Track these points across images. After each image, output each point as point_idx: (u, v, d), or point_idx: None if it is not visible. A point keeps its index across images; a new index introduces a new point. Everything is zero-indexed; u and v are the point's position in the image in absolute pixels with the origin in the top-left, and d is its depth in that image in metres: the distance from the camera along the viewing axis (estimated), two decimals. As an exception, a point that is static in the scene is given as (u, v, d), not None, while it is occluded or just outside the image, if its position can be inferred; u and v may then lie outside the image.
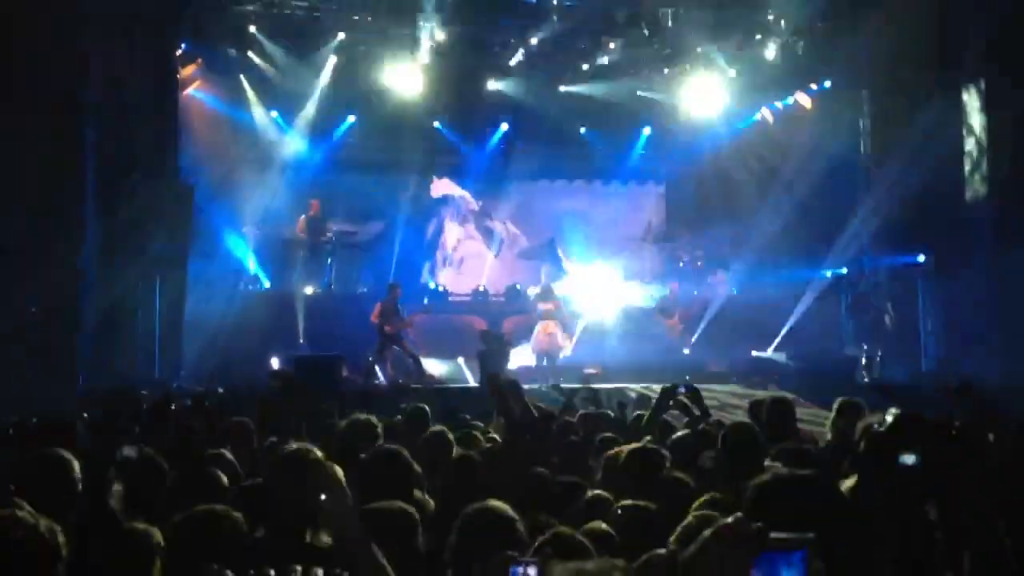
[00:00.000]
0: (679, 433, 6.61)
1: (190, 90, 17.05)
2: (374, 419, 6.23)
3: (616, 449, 5.78)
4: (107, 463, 4.59)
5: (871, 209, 17.77)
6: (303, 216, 18.35)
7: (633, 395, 12.51)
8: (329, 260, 18.44)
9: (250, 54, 17.14)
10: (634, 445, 5.55)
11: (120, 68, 13.55)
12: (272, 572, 3.14)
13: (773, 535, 1.93)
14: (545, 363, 17.00)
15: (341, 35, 17.10)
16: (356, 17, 17.01)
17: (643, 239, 21.61)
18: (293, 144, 18.82)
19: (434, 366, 17.11)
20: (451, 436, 5.88)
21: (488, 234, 21.52)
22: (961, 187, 15.92)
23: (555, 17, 17.04)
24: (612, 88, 19.10)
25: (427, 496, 4.84)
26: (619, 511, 4.33)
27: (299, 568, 3.19)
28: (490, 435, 6.86)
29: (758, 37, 17.68)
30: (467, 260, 21.25)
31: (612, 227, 21.31)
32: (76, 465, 4.34)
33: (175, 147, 15.39)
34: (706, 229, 21.14)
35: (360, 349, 16.15)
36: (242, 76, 17.66)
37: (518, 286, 19.51)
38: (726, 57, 18.25)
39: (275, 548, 3.65)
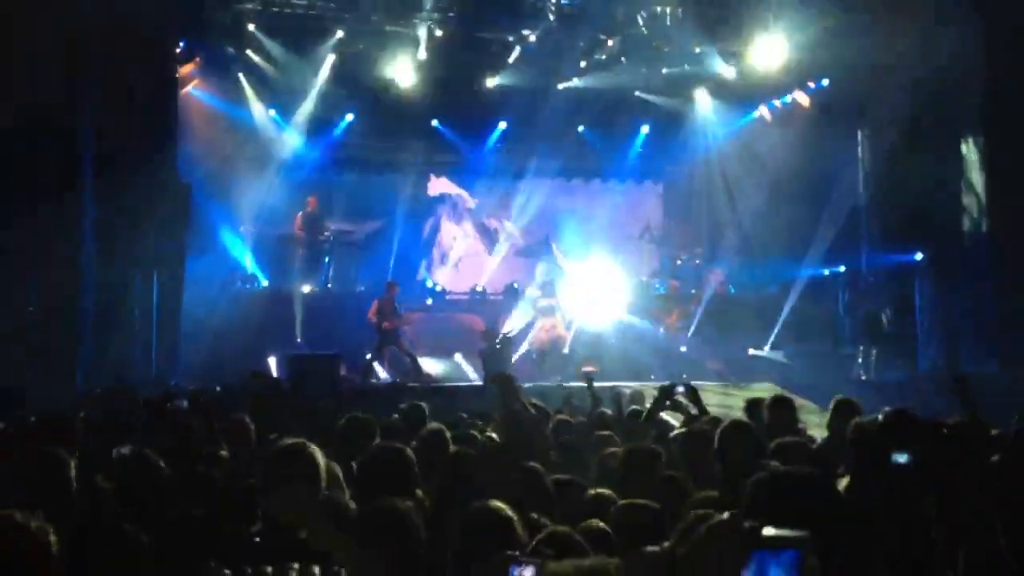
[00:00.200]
0: (676, 431, 6.63)
1: (188, 89, 17.04)
2: (372, 418, 6.24)
3: (611, 449, 5.80)
4: (103, 462, 4.61)
5: (869, 208, 17.80)
6: (300, 214, 18.33)
7: (628, 392, 12.51)
8: (327, 258, 18.44)
9: (248, 52, 17.14)
10: (630, 444, 5.57)
11: (118, 67, 13.53)
12: (269, 570, 3.15)
13: (767, 533, 1.93)
14: (546, 359, 16.99)
15: (340, 33, 17.09)
16: (355, 15, 16.98)
17: (641, 238, 21.59)
18: (291, 142, 18.79)
19: (431, 365, 17.12)
20: (448, 434, 5.88)
21: (485, 232, 21.52)
22: (958, 185, 15.94)
23: (553, 15, 17.03)
24: (610, 87, 19.09)
25: (425, 494, 4.85)
26: (616, 510, 4.34)
27: (296, 566, 3.20)
28: (488, 434, 6.86)
29: (757, 36, 17.66)
30: (464, 258, 21.25)
31: (610, 226, 21.29)
32: (72, 464, 4.34)
33: (173, 146, 15.38)
34: (704, 228, 21.14)
35: (358, 348, 16.15)
36: (240, 74, 17.65)
37: (516, 284, 19.51)
38: (724, 56, 18.26)
39: (272, 545, 3.65)
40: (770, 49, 17.52)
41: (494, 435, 6.71)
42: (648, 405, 9.22)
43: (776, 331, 17.57)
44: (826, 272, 18.08)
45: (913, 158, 15.45)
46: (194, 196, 15.53)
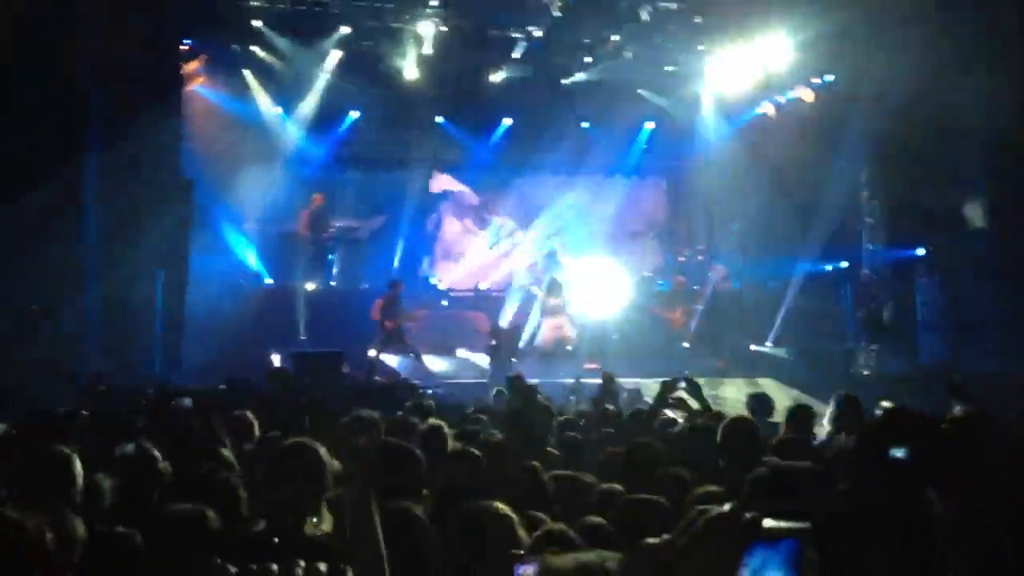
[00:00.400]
0: (679, 427, 6.64)
1: (193, 86, 17.05)
2: (376, 415, 6.25)
3: (611, 448, 5.81)
4: (105, 460, 4.62)
5: (871, 203, 17.79)
6: (306, 211, 18.35)
7: (628, 389, 12.52)
8: (331, 256, 18.45)
9: (253, 48, 17.11)
10: (631, 441, 5.58)
11: (123, 64, 13.54)
12: (275, 567, 3.15)
13: (767, 524, 1.94)
14: (553, 358, 16.99)
15: (345, 29, 17.07)
16: (360, 11, 16.97)
17: (644, 234, 21.59)
18: (296, 139, 18.81)
19: (435, 362, 17.14)
20: (446, 431, 5.88)
21: (487, 228, 21.52)
22: (960, 182, 15.93)
23: (557, 11, 17.02)
24: (615, 82, 19.09)
25: (427, 492, 4.86)
26: (620, 505, 4.35)
27: (303, 563, 3.21)
28: (491, 431, 6.88)
29: (761, 31, 17.64)
30: (466, 254, 21.25)
31: (614, 222, 21.30)
32: (77, 462, 4.36)
33: (177, 143, 15.41)
34: (707, 224, 21.13)
35: (362, 345, 16.17)
36: (245, 71, 17.65)
37: (523, 282, 19.51)
38: (728, 51, 18.24)
39: (276, 543, 3.66)
40: (774, 45, 17.51)
41: (496, 432, 6.73)
42: (647, 402, 9.26)
43: (778, 327, 17.58)
44: (828, 268, 18.08)
45: (916, 154, 15.43)
46: (198, 193, 15.55)
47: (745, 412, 7.34)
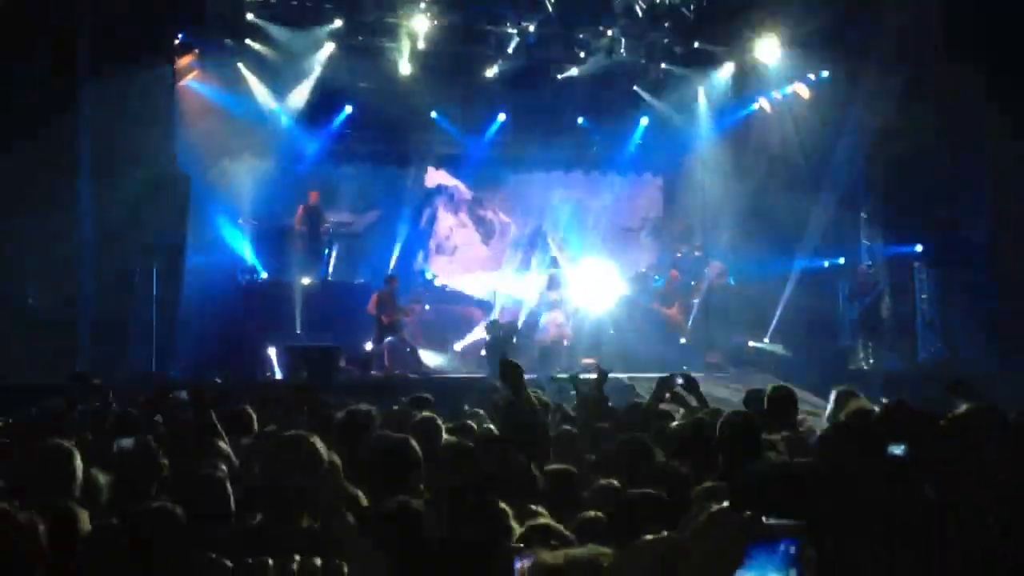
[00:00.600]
0: (676, 423, 6.64)
1: (187, 80, 17.00)
2: (373, 410, 6.24)
3: (607, 443, 5.81)
4: (101, 454, 4.61)
5: (869, 199, 17.79)
6: (301, 206, 18.33)
7: (624, 385, 12.53)
8: (327, 250, 18.43)
9: (248, 42, 17.05)
10: (627, 434, 5.58)
11: (116, 58, 13.51)
12: (271, 562, 3.16)
13: (766, 522, 1.94)
14: (551, 353, 16.98)
15: (339, 24, 17.03)
16: (354, 6, 16.94)
17: (640, 230, 21.59)
18: (290, 134, 18.78)
19: (431, 357, 17.14)
20: (439, 422, 5.86)
21: (481, 223, 21.51)
22: (958, 177, 15.95)
23: (552, 6, 17.01)
24: (610, 78, 19.07)
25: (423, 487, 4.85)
26: (616, 500, 4.35)
27: (298, 557, 3.21)
28: (485, 425, 6.87)
29: (757, 27, 17.66)
30: (460, 248, 21.25)
31: (609, 218, 21.31)
32: (77, 456, 4.36)
33: (172, 138, 15.37)
34: (703, 220, 21.12)
35: (358, 339, 16.17)
36: (239, 66, 17.58)
37: (515, 277, 19.52)
38: (724, 47, 18.25)
39: (272, 535, 3.66)
40: (770, 40, 17.54)
41: (491, 426, 6.72)
42: (639, 398, 9.25)
43: (775, 323, 17.58)
44: (826, 264, 18.08)
45: (913, 149, 15.44)
46: (193, 188, 15.51)
47: (742, 408, 7.34)
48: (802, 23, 16.87)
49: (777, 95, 19.06)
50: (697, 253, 20.08)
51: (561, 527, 3.82)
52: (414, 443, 4.75)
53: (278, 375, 15.36)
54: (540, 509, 4.26)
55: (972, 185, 15.91)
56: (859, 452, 3.51)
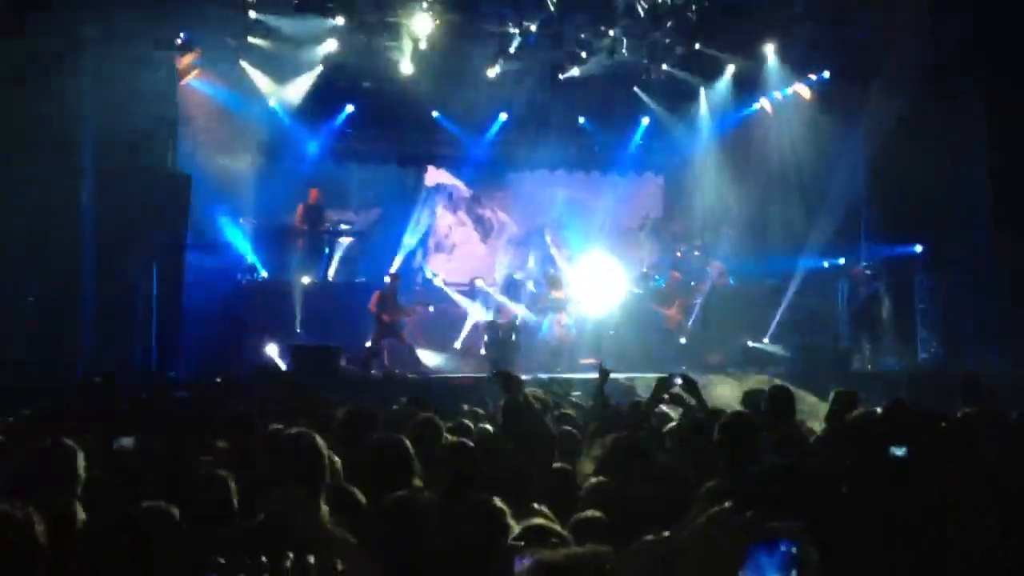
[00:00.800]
0: (674, 423, 6.65)
1: (188, 79, 17.00)
2: (373, 408, 6.25)
3: (606, 443, 5.81)
4: (102, 453, 4.61)
5: (869, 200, 17.78)
6: (302, 205, 18.36)
7: (625, 386, 12.52)
8: (327, 249, 18.44)
9: (250, 39, 17.03)
10: (616, 435, 5.59)
11: (118, 58, 13.52)
12: (264, 560, 3.15)
13: (766, 523, 1.94)
14: (556, 352, 16.98)
15: (340, 22, 17.01)
16: (355, 5, 16.92)
17: (640, 229, 21.59)
18: (291, 133, 18.80)
19: (429, 356, 17.14)
20: (439, 423, 5.87)
21: (480, 222, 21.52)
22: (958, 177, 15.94)
23: (553, 5, 16.99)
24: (611, 77, 19.06)
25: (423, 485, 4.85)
26: (613, 500, 4.35)
27: (291, 555, 3.21)
28: (483, 425, 6.89)
29: (759, 28, 17.66)
30: (459, 247, 21.27)
31: (610, 218, 21.32)
32: (81, 456, 4.36)
33: (173, 137, 15.38)
34: (704, 220, 21.13)
35: (358, 338, 16.17)
36: (241, 63, 17.59)
37: (516, 276, 19.51)
38: (725, 47, 18.25)
39: (274, 535, 3.66)
40: (772, 41, 17.55)
41: (489, 426, 6.73)
42: (640, 396, 9.25)
43: (776, 323, 17.57)
44: (826, 264, 18.08)
45: (914, 149, 15.43)
46: (194, 187, 15.51)
47: (741, 409, 7.34)
48: (804, 25, 16.88)
49: (778, 96, 19.06)
50: (697, 253, 20.09)
51: (559, 527, 3.83)
52: (409, 443, 4.76)
53: (282, 367, 15.38)
54: (541, 508, 4.27)
55: (972, 185, 15.89)
56: (859, 453, 3.53)
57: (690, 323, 17.99)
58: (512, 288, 19.07)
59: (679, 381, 7.22)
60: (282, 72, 17.84)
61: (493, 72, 18.65)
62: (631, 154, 21.50)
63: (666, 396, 7.23)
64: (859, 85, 17.00)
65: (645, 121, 20.77)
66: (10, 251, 12.13)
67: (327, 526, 3.87)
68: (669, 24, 17.53)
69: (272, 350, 15.87)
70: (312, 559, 3.17)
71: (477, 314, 18.46)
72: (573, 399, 10.23)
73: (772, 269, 18.57)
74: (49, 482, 4.09)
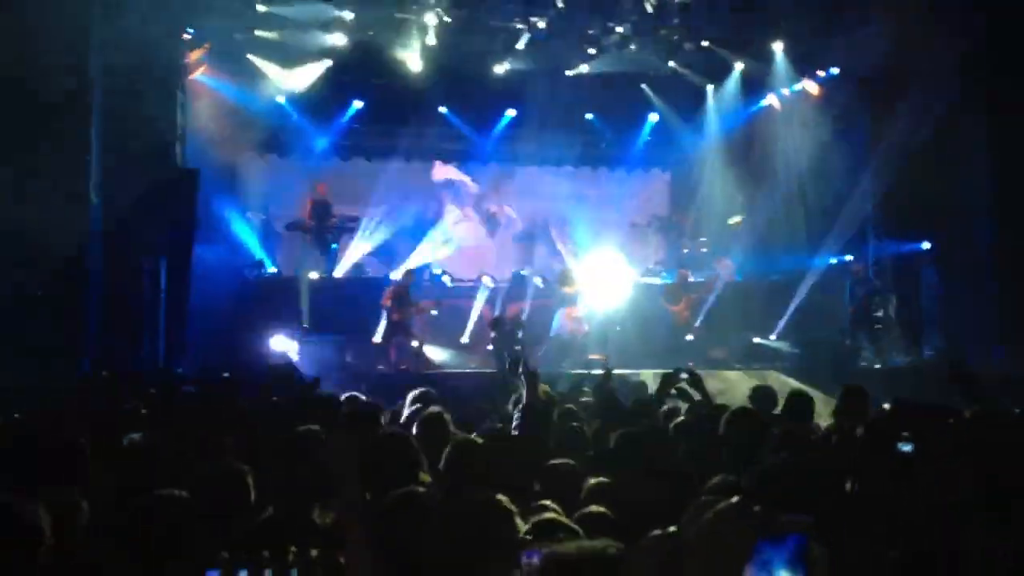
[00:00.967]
0: (680, 418, 6.65)
1: (196, 75, 17.02)
2: (376, 405, 6.25)
3: (613, 439, 5.81)
4: (109, 449, 4.62)
5: (876, 197, 17.74)
6: (310, 200, 18.39)
7: (632, 382, 12.51)
8: (334, 245, 18.45)
9: (257, 32, 17.02)
10: (623, 430, 5.59)
11: (125, 54, 13.53)
12: (266, 553, 3.16)
13: (774, 518, 1.95)
14: (567, 348, 16.96)
15: (349, 18, 17.01)
16: (362, 1, 16.92)
17: (647, 226, 21.57)
18: (299, 129, 18.83)
19: (436, 352, 17.14)
20: (447, 418, 5.87)
21: (487, 217, 21.52)
22: (963, 175, 15.91)
23: (562, 1, 16.99)
24: (619, 74, 19.05)
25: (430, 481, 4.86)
26: (620, 495, 4.35)
27: (293, 548, 3.22)
28: (492, 422, 6.89)
29: (767, 25, 17.64)
30: (465, 242, 21.27)
31: (617, 214, 21.30)
32: (86, 451, 4.38)
33: (181, 132, 15.40)
34: (711, 217, 21.11)
35: (365, 334, 16.17)
36: (249, 57, 17.59)
37: (524, 272, 19.50)
38: (733, 44, 18.23)
39: (282, 528, 3.68)
40: (780, 38, 17.52)
41: (499, 424, 6.74)
42: (646, 393, 9.25)
43: (784, 320, 17.53)
44: (833, 261, 18.03)
45: (922, 147, 15.40)
46: (201, 182, 15.53)
47: (748, 404, 7.34)
48: (812, 22, 16.85)
49: (786, 92, 19.03)
50: (704, 250, 20.08)
51: (568, 521, 3.83)
52: (414, 440, 4.77)
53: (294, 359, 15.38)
54: (548, 503, 4.27)
55: (978, 182, 15.87)
56: (866, 449, 3.52)
57: (699, 320, 17.95)
58: (519, 283, 19.04)
59: (685, 376, 7.24)
60: (289, 59, 17.82)
61: (501, 68, 18.66)
62: (638, 151, 21.51)
63: (672, 391, 7.24)
64: (867, 82, 16.96)
65: (653, 118, 20.77)
66: (18, 246, 12.14)
67: (331, 522, 3.88)
68: (677, 21, 17.51)
69: (281, 343, 15.80)
70: (314, 552, 3.19)
71: (484, 309, 18.43)
72: (584, 390, 10.23)
73: (780, 266, 18.54)
74: (55, 478, 4.10)
